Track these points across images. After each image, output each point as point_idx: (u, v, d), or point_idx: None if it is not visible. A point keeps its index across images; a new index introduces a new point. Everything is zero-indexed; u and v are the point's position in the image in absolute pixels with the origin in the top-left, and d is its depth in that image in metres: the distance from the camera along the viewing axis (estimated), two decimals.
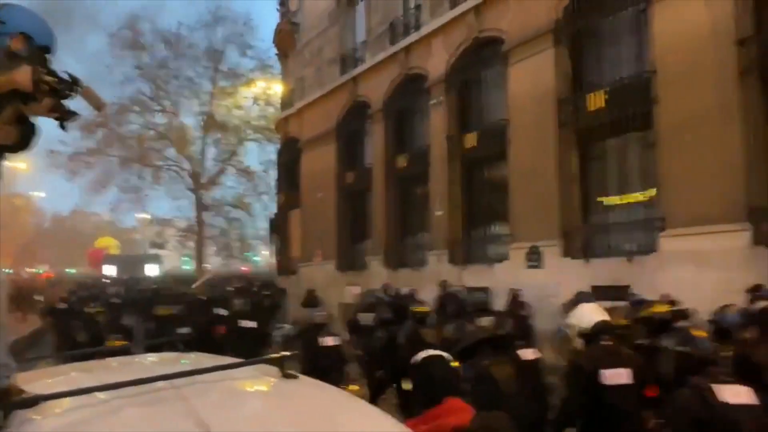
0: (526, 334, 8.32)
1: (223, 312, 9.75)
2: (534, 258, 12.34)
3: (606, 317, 4.10)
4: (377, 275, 17.03)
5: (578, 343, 3.95)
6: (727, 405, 2.87)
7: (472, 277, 13.89)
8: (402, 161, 16.97)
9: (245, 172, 37.35)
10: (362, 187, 18.79)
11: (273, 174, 31.34)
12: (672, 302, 6.64)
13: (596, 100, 11.38)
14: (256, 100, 35.36)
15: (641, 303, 7.12)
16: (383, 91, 17.45)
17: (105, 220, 50.48)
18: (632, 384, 3.63)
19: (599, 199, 11.81)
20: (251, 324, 8.65)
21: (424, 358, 2.74)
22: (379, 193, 17.64)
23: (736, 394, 2.91)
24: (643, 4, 10.68)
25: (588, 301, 6.76)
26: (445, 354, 2.86)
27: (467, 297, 11.92)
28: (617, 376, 3.63)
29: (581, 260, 11.41)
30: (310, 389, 1.98)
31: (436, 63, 15.40)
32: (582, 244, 11.70)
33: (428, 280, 14.70)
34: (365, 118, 18.60)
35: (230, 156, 37.41)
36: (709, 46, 9.44)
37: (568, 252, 11.68)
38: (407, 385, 2.73)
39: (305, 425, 1.63)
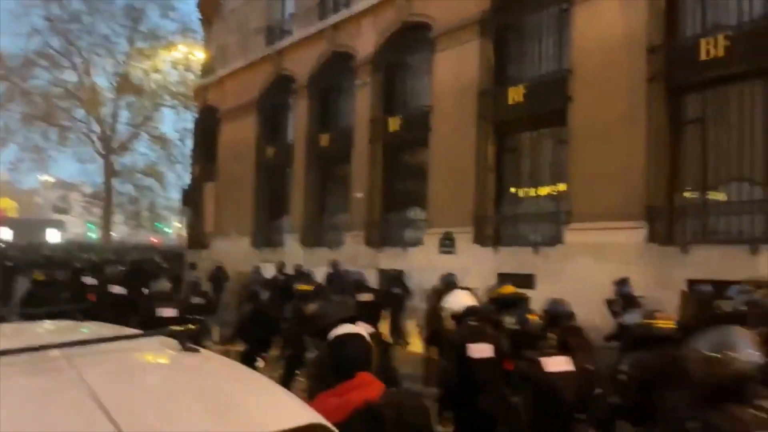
0: (397, 310, 10.92)
1: (91, 281, 9.77)
2: (447, 244, 12.65)
3: (475, 302, 4.85)
4: (293, 253, 16.89)
5: (450, 323, 4.65)
6: (551, 373, 3.74)
7: (387, 259, 14.07)
8: (325, 140, 16.83)
9: (159, 139, 35.91)
10: (282, 163, 18.50)
11: (189, 143, 30.28)
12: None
13: (515, 95, 11.73)
14: (175, 64, 33.93)
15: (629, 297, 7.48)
16: (309, 66, 17.19)
17: (2, 180, 47.10)
18: (494, 357, 4.30)
19: (512, 190, 12.24)
20: (121, 290, 8.59)
21: (339, 335, 2.77)
22: (299, 171, 17.45)
23: (557, 364, 3.83)
24: (565, 4, 11.06)
25: (452, 282, 7.98)
26: (360, 331, 2.93)
27: (350, 276, 12.14)
28: (481, 350, 4.29)
29: (491, 248, 11.81)
30: (210, 363, 1.94)
31: (365, 43, 15.33)
32: (493, 232, 12.11)
33: (344, 261, 14.75)
34: (289, 92, 18.27)
35: (144, 121, 35.80)
36: (622, 51, 9.94)
37: (480, 239, 12.05)
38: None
39: (201, 398, 1.60)
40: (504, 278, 11.08)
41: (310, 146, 17.13)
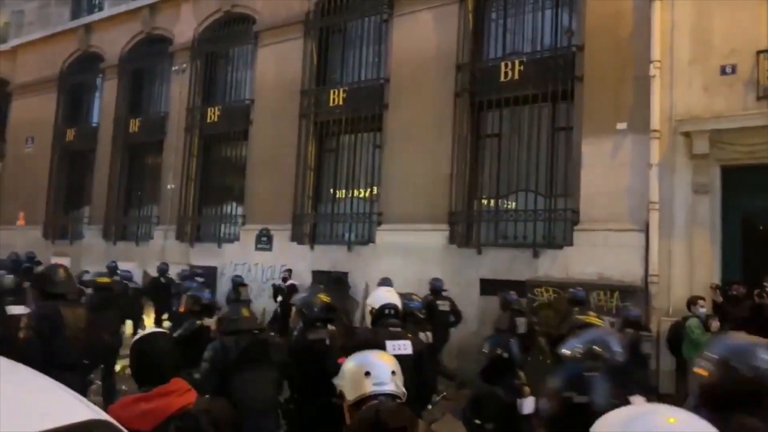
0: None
1: None
2: (264, 240, 12.56)
3: (396, 300, 4.60)
4: (93, 247, 15.59)
5: (369, 320, 4.47)
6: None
7: (200, 255, 13.58)
8: (135, 125, 15.72)
9: None
10: (85, 148, 16.90)
11: None
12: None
13: (336, 97, 12.03)
14: None
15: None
16: (120, 46, 15.95)
17: None
18: (412, 353, 4.28)
19: (330, 190, 12.51)
20: None
21: (144, 335, 2.70)
22: (104, 157, 16.08)
23: (399, 347, 4.02)
24: (386, 14, 11.60)
25: (386, 284, 7.71)
26: (165, 331, 2.92)
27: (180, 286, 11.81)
28: (400, 347, 4.27)
29: (307, 246, 11.97)
30: None
31: (184, 29, 14.64)
32: (310, 230, 12.28)
33: (152, 256, 13.95)
34: (97, 71, 16.79)
35: None
36: (434, 65, 10.69)
37: (297, 237, 12.15)
38: None
39: None
40: (318, 275, 11.38)
41: (117, 131, 15.87)
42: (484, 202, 10.54)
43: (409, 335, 4.34)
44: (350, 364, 2.27)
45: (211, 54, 14.44)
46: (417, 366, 4.07)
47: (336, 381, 2.28)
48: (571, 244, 9.13)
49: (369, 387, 2.17)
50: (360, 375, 2.20)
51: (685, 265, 8.29)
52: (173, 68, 14.79)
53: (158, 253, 14.04)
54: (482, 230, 10.29)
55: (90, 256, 15.14)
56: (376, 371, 2.22)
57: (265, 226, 12.53)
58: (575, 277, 8.71)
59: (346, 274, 11.16)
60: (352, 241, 11.48)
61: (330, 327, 4.58)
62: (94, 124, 16.89)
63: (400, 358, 2.75)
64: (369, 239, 11.33)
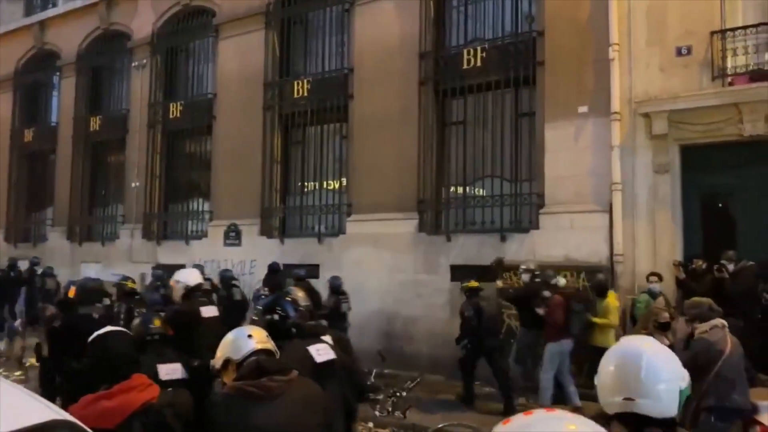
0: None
1: None
2: (232, 236, 12.45)
3: (201, 280, 5.58)
4: (58, 249, 15.27)
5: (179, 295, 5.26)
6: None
7: (167, 253, 13.40)
8: (96, 123, 15.39)
9: None
10: (45, 148, 16.51)
11: None
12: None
13: (300, 88, 11.95)
14: None
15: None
16: (77, 42, 15.58)
17: None
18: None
19: (298, 182, 12.44)
20: None
21: (102, 333, 2.66)
22: (65, 157, 15.72)
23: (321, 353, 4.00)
24: (347, 4, 11.53)
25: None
26: (125, 329, 2.95)
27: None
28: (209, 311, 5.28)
29: (277, 239, 11.90)
30: None
31: (142, 23, 14.36)
32: (279, 224, 12.21)
33: (119, 256, 13.74)
34: (53, 69, 16.37)
35: None
36: (397, 54, 10.68)
37: (266, 231, 12.07)
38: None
39: None
40: (289, 268, 11.34)
41: (78, 130, 15.53)
42: (452, 189, 10.60)
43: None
44: (231, 336, 2.70)
45: (171, 48, 14.18)
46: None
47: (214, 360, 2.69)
48: (537, 227, 9.26)
49: (252, 345, 2.60)
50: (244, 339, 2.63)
51: (648, 243, 8.49)
52: (133, 64, 14.51)
53: (125, 252, 13.83)
54: (450, 217, 10.35)
55: (55, 258, 14.83)
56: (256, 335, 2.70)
57: (233, 221, 12.42)
58: (543, 260, 8.85)
59: (316, 266, 11.14)
60: (322, 233, 11.46)
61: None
62: (53, 124, 16.49)
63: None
64: (339, 230, 11.31)
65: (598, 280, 8.08)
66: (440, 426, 6.51)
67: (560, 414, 1.30)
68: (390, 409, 7.41)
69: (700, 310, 4.91)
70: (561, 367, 7.57)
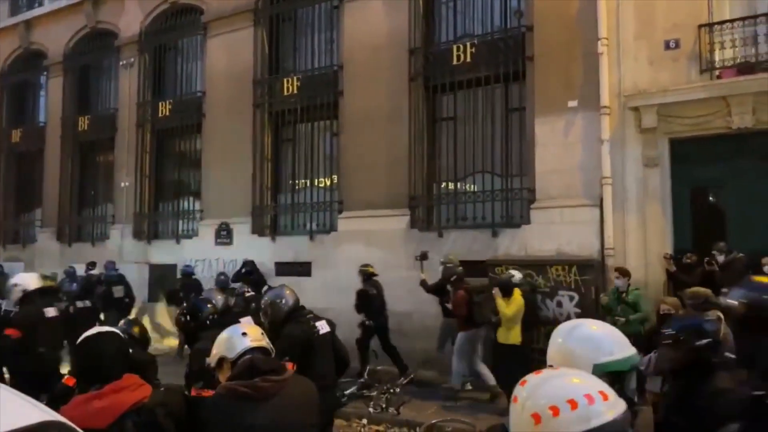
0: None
1: None
2: (224, 235, 12.40)
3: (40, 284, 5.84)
4: (47, 250, 15.16)
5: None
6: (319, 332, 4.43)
7: (158, 252, 13.35)
8: (84, 123, 15.28)
9: None
10: (33, 148, 16.35)
11: None
12: None
13: (290, 85, 11.90)
14: None
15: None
16: (64, 42, 15.45)
17: None
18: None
19: (289, 180, 12.40)
20: None
21: (91, 335, 2.64)
22: (54, 157, 15.59)
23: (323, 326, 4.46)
24: (336, 1, 11.49)
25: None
26: (115, 330, 2.90)
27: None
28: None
29: (268, 238, 11.87)
30: None
31: (130, 22, 14.25)
32: (270, 222, 12.17)
33: (109, 256, 13.64)
34: (40, 69, 16.22)
35: None
36: (387, 51, 10.65)
37: (257, 229, 12.03)
38: None
39: None
40: (281, 266, 11.33)
41: (66, 130, 15.41)
42: (443, 185, 10.61)
43: None
44: (226, 334, 2.78)
45: (160, 47, 14.09)
46: None
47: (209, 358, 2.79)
48: (528, 222, 9.28)
49: (247, 343, 2.69)
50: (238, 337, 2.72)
51: (639, 236, 8.53)
52: (121, 63, 14.41)
53: (115, 252, 13.74)
54: (442, 213, 10.36)
55: (44, 259, 14.73)
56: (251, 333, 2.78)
57: (224, 220, 12.37)
58: (534, 255, 8.88)
59: (308, 264, 11.13)
60: (313, 231, 11.44)
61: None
62: (41, 124, 16.35)
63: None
64: (331, 228, 11.29)
65: (502, 279, 8.11)
66: (433, 422, 6.53)
67: (564, 371, 1.55)
68: (384, 405, 7.43)
69: (697, 301, 4.97)
70: (472, 354, 8.07)
